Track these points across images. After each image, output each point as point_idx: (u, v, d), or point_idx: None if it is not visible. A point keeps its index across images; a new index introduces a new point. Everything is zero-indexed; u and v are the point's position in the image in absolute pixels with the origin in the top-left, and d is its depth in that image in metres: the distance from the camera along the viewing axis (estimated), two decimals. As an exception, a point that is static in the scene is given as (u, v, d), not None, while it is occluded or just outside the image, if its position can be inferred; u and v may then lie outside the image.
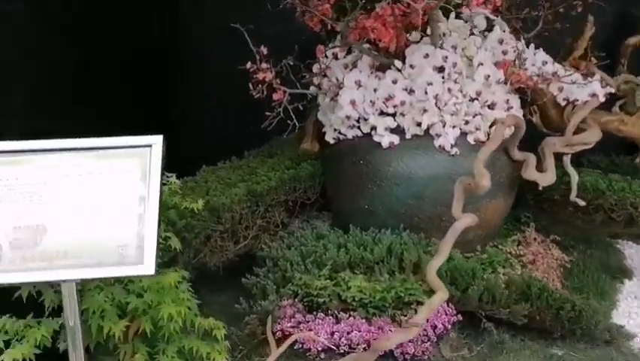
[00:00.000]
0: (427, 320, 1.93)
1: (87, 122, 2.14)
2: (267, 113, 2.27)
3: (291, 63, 2.29)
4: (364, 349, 1.94)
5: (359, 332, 1.98)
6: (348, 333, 1.98)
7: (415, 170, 2.21)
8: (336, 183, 2.48)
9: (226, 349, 1.76)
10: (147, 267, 1.32)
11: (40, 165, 1.40)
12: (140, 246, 1.35)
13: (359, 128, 2.32)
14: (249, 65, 2.20)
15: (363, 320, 2.03)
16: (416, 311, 1.93)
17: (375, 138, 2.27)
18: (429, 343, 1.95)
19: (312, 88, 2.48)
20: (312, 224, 2.50)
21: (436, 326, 1.98)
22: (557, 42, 2.56)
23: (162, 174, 1.42)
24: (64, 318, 1.43)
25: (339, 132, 2.37)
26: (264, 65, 2.20)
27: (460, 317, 2.03)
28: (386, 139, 2.25)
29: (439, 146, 2.22)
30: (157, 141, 1.44)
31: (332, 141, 2.42)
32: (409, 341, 1.90)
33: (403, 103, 2.23)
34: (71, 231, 1.36)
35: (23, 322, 1.56)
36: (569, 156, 2.43)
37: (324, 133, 2.46)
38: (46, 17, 2.40)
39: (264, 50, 2.18)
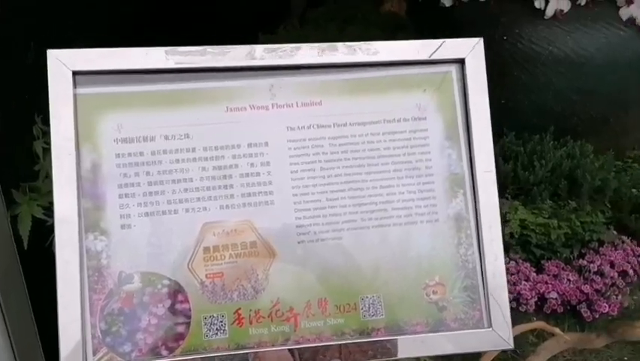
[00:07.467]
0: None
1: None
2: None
3: None
4: (536, 304, 1.45)
5: (526, 281, 1.48)
6: (513, 284, 1.47)
7: (590, 52, 1.56)
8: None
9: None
10: (500, 330, 0.62)
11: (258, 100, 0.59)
12: (469, 286, 0.63)
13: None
14: None
15: (527, 264, 1.51)
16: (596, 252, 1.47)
17: (536, 4, 1.54)
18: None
19: None
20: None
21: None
22: None
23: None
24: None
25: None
26: None
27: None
28: (552, 4, 1.53)
29: (628, 19, 1.56)
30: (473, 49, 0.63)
31: (447, 3, 1.63)
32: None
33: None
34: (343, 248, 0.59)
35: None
36: None
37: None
38: None
39: None
